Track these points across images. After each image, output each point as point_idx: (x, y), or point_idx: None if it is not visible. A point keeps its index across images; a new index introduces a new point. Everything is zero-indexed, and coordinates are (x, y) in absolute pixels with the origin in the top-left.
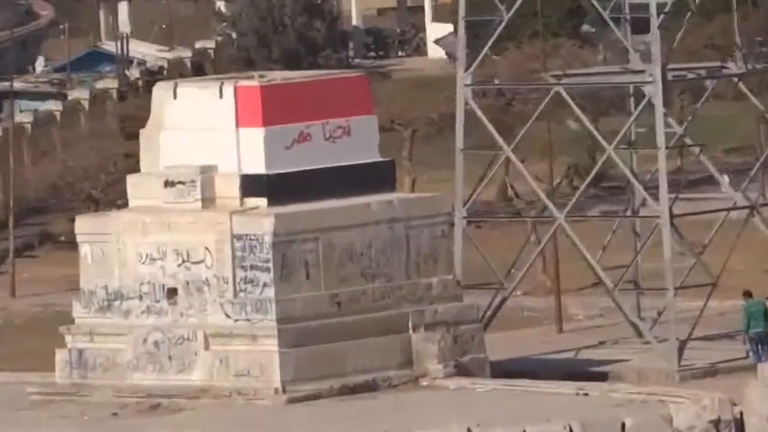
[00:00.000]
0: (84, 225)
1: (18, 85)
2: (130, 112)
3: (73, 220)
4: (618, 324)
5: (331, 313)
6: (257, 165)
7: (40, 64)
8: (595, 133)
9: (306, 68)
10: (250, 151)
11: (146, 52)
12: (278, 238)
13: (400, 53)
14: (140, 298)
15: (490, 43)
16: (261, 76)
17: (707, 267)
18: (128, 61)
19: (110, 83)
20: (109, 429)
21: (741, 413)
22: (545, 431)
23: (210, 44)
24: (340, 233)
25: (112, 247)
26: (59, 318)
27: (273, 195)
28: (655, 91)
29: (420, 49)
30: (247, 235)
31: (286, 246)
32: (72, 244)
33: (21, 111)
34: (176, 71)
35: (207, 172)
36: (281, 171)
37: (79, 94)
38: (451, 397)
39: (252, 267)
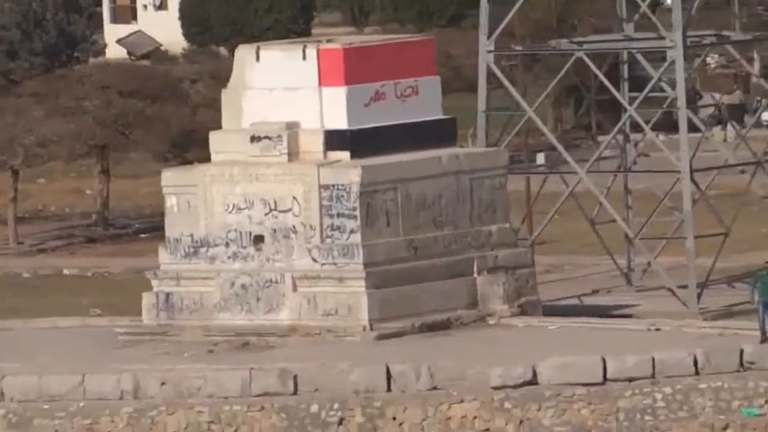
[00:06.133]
0: (170, 177)
1: None
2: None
3: None
4: (585, 276)
5: (408, 258)
6: (340, 121)
7: None
8: (617, 94)
9: (65, 61)
10: (333, 108)
11: None
12: (364, 188)
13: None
14: (226, 245)
15: (512, 12)
16: (329, 41)
17: (720, 218)
18: None
19: None
20: (215, 362)
21: None
22: (672, 358)
23: None
24: (416, 184)
25: (199, 198)
26: (10, 278)
27: (355, 149)
28: (676, 55)
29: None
30: (334, 185)
31: (370, 195)
32: None
33: None
34: None
35: (292, 128)
36: (362, 126)
37: None
38: (527, 334)
39: (339, 215)
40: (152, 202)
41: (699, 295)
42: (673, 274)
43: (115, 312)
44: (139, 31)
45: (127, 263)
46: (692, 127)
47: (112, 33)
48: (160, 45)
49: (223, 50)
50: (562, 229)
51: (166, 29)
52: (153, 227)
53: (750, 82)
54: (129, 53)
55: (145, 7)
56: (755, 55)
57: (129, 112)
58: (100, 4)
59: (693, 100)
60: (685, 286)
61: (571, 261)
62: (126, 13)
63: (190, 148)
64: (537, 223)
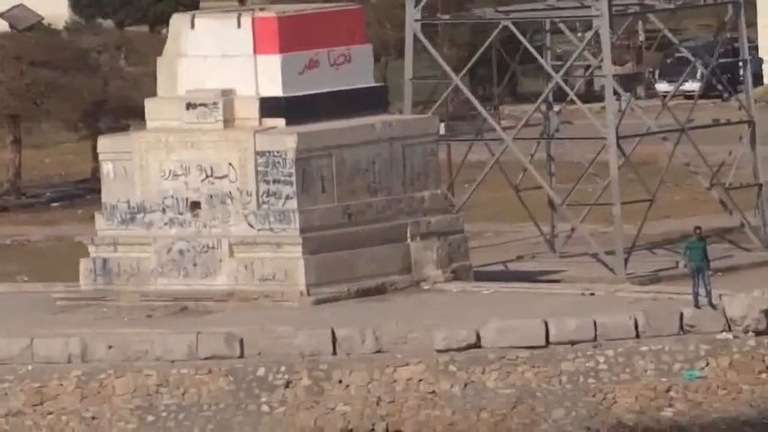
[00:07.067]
0: (106, 144)
1: None
2: None
3: None
4: (506, 243)
5: (343, 224)
6: (275, 88)
7: None
8: (543, 62)
9: None
10: (268, 75)
11: None
12: (300, 154)
13: None
14: (163, 211)
15: None
16: (261, 9)
17: (646, 184)
18: None
19: None
20: (155, 327)
21: None
22: (614, 322)
23: None
24: (350, 150)
25: (135, 165)
26: None
27: (290, 116)
28: (602, 24)
29: None
30: (270, 151)
31: (305, 162)
32: None
33: None
34: None
35: (227, 95)
36: (296, 94)
37: None
38: (462, 299)
39: (275, 181)
40: (59, 172)
41: (626, 261)
42: (595, 241)
43: (39, 278)
44: (21, 4)
45: (44, 231)
46: (591, 98)
47: None
48: (42, 18)
49: (107, 23)
50: (480, 196)
51: (48, 3)
52: (64, 196)
53: (641, 53)
54: (11, 26)
55: None
56: (639, 27)
57: (41, 82)
58: None
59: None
60: (609, 252)
61: (490, 228)
62: None
63: (101, 117)
64: (456, 192)
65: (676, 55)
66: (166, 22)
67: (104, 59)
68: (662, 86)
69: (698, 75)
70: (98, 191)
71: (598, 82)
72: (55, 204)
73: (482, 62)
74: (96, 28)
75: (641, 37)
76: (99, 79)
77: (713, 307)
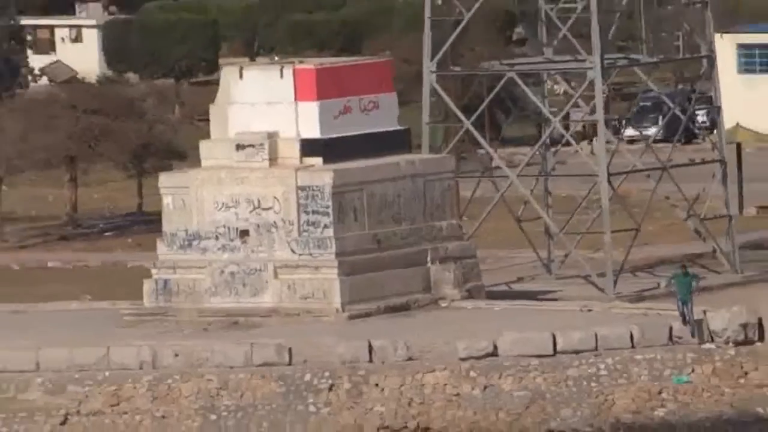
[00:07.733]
0: (167, 180)
1: None
2: None
3: None
4: (505, 267)
5: (372, 249)
6: (313, 131)
7: None
8: (542, 106)
9: (8, 86)
10: (307, 120)
11: None
12: (336, 188)
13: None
14: (216, 238)
15: (452, 38)
16: (300, 62)
17: (633, 215)
18: None
19: None
20: (213, 339)
21: (760, 319)
22: (613, 333)
23: None
24: (378, 185)
25: (192, 198)
26: (2, 270)
27: (327, 155)
28: (595, 75)
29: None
30: (309, 186)
31: (340, 195)
32: None
33: None
34: None
35: (272, 137)
36: (332, 136)
37: None
38: (477, 314)
39: (314, 212)
40: (108, 206)
41: (615, 282)
42: (586, 265)
43: (100, 297)
44: (58, 61)
45: (100, 257)
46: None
47: (35, 62)
48: (77, 73)
49: (132, 76)
50: (481, 227)
51: (81, 59)
52: (115, 227)
53: (609, 102)
54: (50, 80)
55: (63, 39)
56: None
57: (94, 128)
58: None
59: (566, 116)
60: (599, 275)
61: (490, 254)
62: (45, 45)
63: (147, 158)
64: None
65: (641, 104)
66: (190, 75)
67: (148, 106)
68: (629, 131)
69: (659, 121)
70: (144, 222)
71: (573, 128)
72: (107, 234)
73: (471, 109)
74: (126, 81)
75: (605, 89)
76: (144, 124)
77: (697, 336)
